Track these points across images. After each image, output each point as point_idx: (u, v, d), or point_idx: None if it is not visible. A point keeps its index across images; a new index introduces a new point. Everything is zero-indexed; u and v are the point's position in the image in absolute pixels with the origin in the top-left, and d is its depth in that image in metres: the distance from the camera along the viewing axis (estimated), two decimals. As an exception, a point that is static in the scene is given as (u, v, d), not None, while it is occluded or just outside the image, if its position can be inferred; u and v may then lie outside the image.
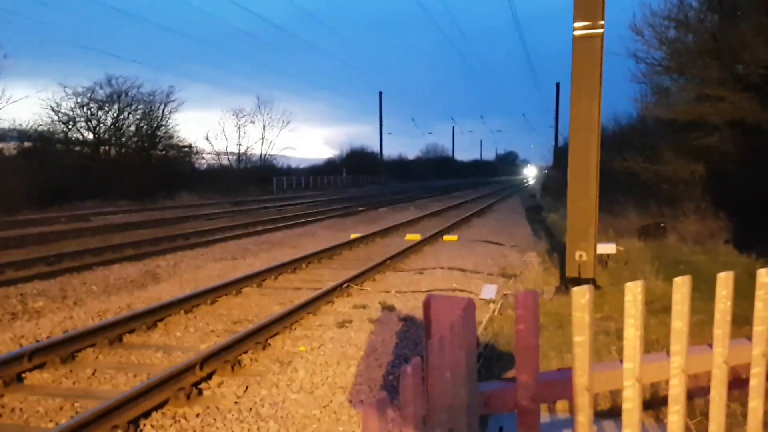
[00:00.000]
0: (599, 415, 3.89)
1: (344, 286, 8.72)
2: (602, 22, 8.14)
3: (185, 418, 4.37)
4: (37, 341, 6.14)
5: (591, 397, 2.03)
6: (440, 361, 1.43)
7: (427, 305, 1.82)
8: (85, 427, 3.88)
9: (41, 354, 5.47)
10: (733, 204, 13.56)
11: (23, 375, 5.22)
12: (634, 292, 2.07)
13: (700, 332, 5.43)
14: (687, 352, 2.22)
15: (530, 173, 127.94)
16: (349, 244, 13.78)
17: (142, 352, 5.96)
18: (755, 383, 2.43)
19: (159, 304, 7.36)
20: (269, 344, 6.17)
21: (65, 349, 5.70)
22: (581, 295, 1.98)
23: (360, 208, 26.73)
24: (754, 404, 2.44)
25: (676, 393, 2.22)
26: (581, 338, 1.99)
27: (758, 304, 2.41)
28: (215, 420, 4.33)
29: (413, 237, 15.10)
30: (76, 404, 4.61)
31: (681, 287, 2.18)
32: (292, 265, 10.69)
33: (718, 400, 2.34)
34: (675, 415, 2.22)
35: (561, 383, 2.00)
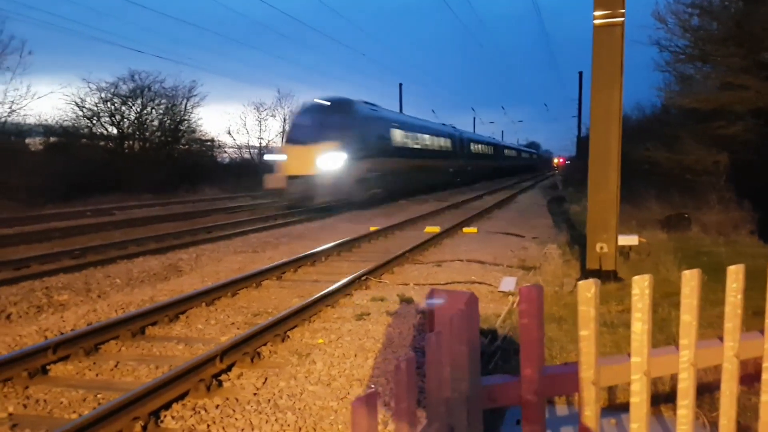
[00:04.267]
0: (618, 408, 3.88)
1: (363, 278, 8.77)
2: (623, 10, 8.03)
3: (205, 410, 4.45)
4: (62, 333, 6.28)
5: (597, 391, 2.03)
6: (437, 355, 1.45)
7: (429, 299, 1.84)
8: (107, 418, 3.97)
9: (66, 346, 5.60)
10: (758, 194, 13.32)
11: (48, 367, 5.35)
12: (641, 286, 2.07)
13: (722, 324, 5.38)
14: (696, 346, 2.21)
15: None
16: (368, 236, 13.82)
17: (164, 344, 6.07)
18: (767, 377, 2.41)
19: (181, 296, 7.48)
20: (288, 336, 6.24)
21: (89, 341, 5.82)
22: (587, 288, 1.99)
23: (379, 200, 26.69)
24: (766, 398, 2.42)
25: (685, 387, 2.21)
26: (587, 332, 2.00)
27: (770, 297, 2.39)
28: (234, 411, 4.40)
29: (432, 229, 15.09)
30: (98, 395, 4.72)
31: (690, 280, 2.18)
32: (312, 257, 10.76)
33: (728, 395, 2.33)
34: (684, 409, 2.22)
35: (567, 377, 2.01)
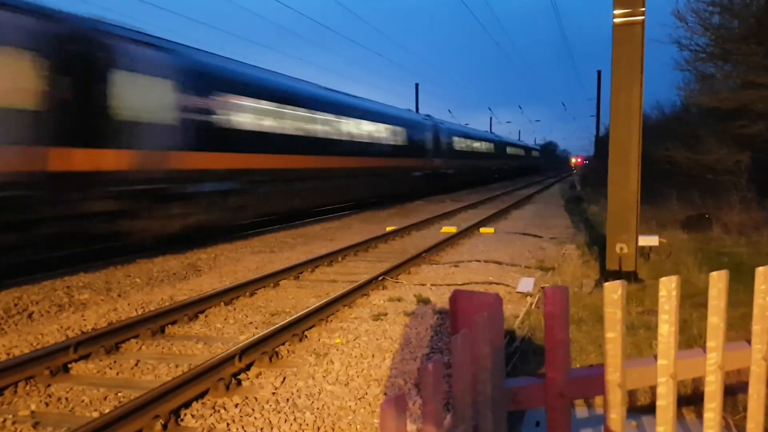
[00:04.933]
0: (638, 410, 3.84)
1: (379, 278, 8.76)
2: (643, 9, 7.95)
3: (224, 408, 4.47)
4: (83, 332, 6.35)
5: (623, 394, 2.00)
6: (463, 357, 1.43)
7: (453, 301, 1.82)
8: (127, 416, 4.00)
9: (86, 345, 5.65)
10: (781, 194, 13.12)
11: (69, 365, 5.40)
12: (668, 287, 2.04)
13: (745, 326, 5.29)
14: (724, 349, 2.17)
15: None
16: (385, 236, 13.81)
17: (183, 343, 6.10)
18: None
19: (200, 296, 7.53)
20: (306, 336, 6.25)
21: (109, 340, 5.87)
22: (613, 290, 1.96)
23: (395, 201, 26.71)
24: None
25: (713, 390, 2.17)
26: (613, 334, 1.97)
27: (800, 300, 2.34)
28: (253, 410, 4.41)
29: (449, 229, 15.05)
30: (119, 394, 4.75)
31: (717, 282, 2.14)
32: (328, 258, 10.78)
33: (756, 398, 2.28)
34: (711, 412, 2.18)
35: (592, 380, 1.99)
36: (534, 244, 13.10)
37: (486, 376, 1.59)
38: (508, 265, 10.32)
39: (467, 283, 8.79)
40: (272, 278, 8.90)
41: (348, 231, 15.75)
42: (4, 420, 4.26)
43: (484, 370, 1.58)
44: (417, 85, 50.68)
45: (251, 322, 6.87)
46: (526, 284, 8.48)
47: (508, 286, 8.64)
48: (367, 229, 15.80)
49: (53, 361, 5.27)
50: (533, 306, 7.23)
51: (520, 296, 8.00)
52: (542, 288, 8.15)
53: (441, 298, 7.77)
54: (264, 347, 5.60)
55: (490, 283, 8.85)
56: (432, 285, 8.71)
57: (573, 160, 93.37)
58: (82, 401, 4.65)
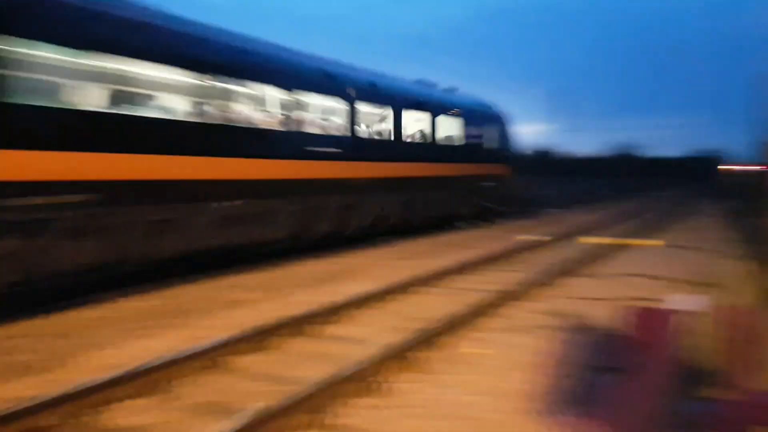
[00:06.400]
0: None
1: (523, 290, 8.60)
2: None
3: (371, 409, 4.58)
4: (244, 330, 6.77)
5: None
6: (643, 376, 1.37)
7: (630, 317, 1.75)
8: (284, 411, 4.26)
9: (247, 341, 6.09)
10: None
11: (231, 359, 5.78)
12: None
13: None
14: None
15: None
16: (526, 247, 13.51)
17: (333, 342, 6.37)
18: None
19: (350, 298, 7.84)
20: (446, 344, 6.22)
21: (268, 337, 6.30)
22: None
23: (532, 210, 25.79)
24: None
25: None
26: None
27: None
28: (396, 414, 4.50)
29: (593, 240, 14.42)
30: (274, 388, 4.97)
31: None
32: (471, 266, 10.75)
33: None
34: None
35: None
36: (694, 258, 12.14)
37: (661, 395, 1.50)
38: (663, 280, 9.65)
39: (618, 298, 8.34)
40: (414, 285, 9.03)
41: (490, 239, 15.54)
42: (170, 408, 4.65)
43: (658, 390, 1.50)
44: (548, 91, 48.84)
45: (393, 327, 6.97)
46: (687, 302, 7.88)
47: (663, 302, 8.07)
48: (506, 238, 15.48)
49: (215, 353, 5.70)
50: (704, 326, 6.71)
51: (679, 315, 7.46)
52: (717, 307, 7.54)
53: (589, 313, 7.44)
54: (406, 352, 5.67)
55: (644, 299, 8.30)
56: (579, 298, 8.37)
57: (728, 167, 79.00)
58: (241, 393, 4.95)
